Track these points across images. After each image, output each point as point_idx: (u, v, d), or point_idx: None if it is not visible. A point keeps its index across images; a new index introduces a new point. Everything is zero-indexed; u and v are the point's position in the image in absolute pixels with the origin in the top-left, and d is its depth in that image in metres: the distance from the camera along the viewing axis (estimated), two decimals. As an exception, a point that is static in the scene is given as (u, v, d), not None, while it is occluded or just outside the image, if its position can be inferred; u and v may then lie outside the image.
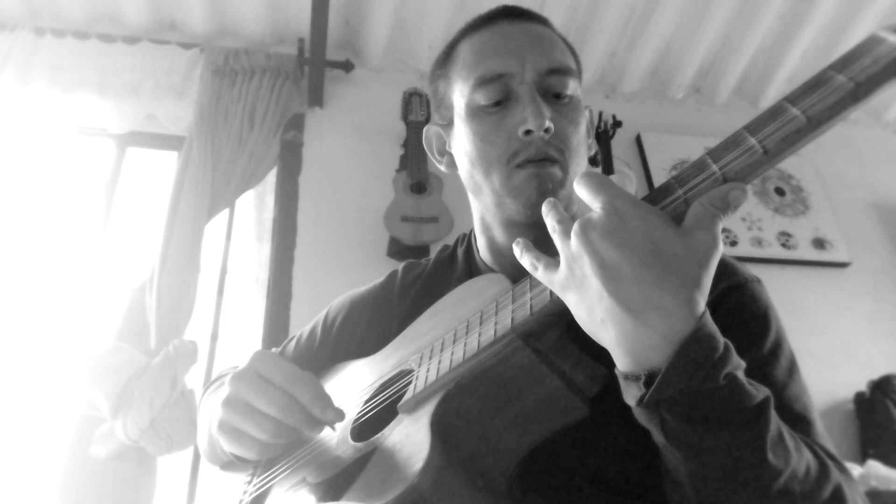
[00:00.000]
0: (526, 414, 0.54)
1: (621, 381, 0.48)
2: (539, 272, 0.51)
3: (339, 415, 0.63)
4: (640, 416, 0.48)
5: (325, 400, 0.63)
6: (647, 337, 0.44)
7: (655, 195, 0.48)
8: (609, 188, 0.47)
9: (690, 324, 0.43)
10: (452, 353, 0.59)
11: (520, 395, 0.54)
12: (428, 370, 0.61)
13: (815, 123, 0.40)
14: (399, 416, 0.60)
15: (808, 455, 0.51)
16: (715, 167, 0.45)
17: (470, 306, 0.64)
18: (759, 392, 0.46)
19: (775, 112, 0.43)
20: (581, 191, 0.49)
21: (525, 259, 0.52)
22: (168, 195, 2.02)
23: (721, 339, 0.45)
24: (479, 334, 0.57)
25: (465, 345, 0.58)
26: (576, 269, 0.47)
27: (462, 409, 0.55)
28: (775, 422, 0.48)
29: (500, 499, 0.54)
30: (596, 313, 0.46)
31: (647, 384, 0.45)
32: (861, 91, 0.39)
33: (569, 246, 0.47)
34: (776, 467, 0.46)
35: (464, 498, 0.51)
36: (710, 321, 0.45)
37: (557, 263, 0.49)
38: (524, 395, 0.54)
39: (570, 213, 0.59)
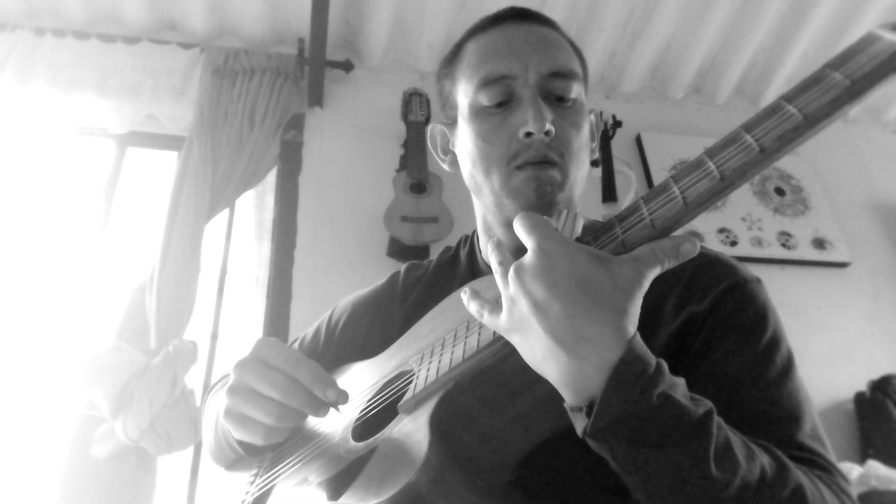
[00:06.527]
0: (525, 414, 0.54)
1: (570, 415, 0.49)
2: (485, 318, 0.52)
3: (342, 395, 0.64)
4: (593, 445, 0.48)
5: (327, 380, 0.64)
6: (582, 368, 0.45)
7: (652, 194, 0.49)
8: (539, 229, 0.49)
9: (619, 350, 0.44)
10: (452, 353, 0.59)
11: (519, 394, 0.54)
12: (428, 370, 0.61)
13: (812, 121, 0.41)
14: (399, 416, 0.60)
15: (763, 461, 0.50)
16: (711, 165, 0.45)
17: None
18: (700, 407, 0.47)
19: (772, 110, 0.43)
20: (517, 231, 0.50)
21: (472, 307, 0.53)
22: (168, 195, 2.02)
23: (652, 360, 0.45)
24: (479, 334, 0.57)
25: (465, 344, 0.58)
26: (515, 312, 0.48)
27: (461, 408, 0.55)
28: (722, 433, 0.48)
29: (500, 498, 0.54)
30: (536, 352, 0.47)
31: (589, 414, 0.46)
32: (857, 88, 0.39)
33: (508, 289, 0.49)
34: (722, 480, 0.46)
35: (462, 496, 0.51)
36: (639, 344, 0.45)
37: (500, 307, 0.50)
38: (523, 394, 0.54)
39: (570, 214, 0.60)
